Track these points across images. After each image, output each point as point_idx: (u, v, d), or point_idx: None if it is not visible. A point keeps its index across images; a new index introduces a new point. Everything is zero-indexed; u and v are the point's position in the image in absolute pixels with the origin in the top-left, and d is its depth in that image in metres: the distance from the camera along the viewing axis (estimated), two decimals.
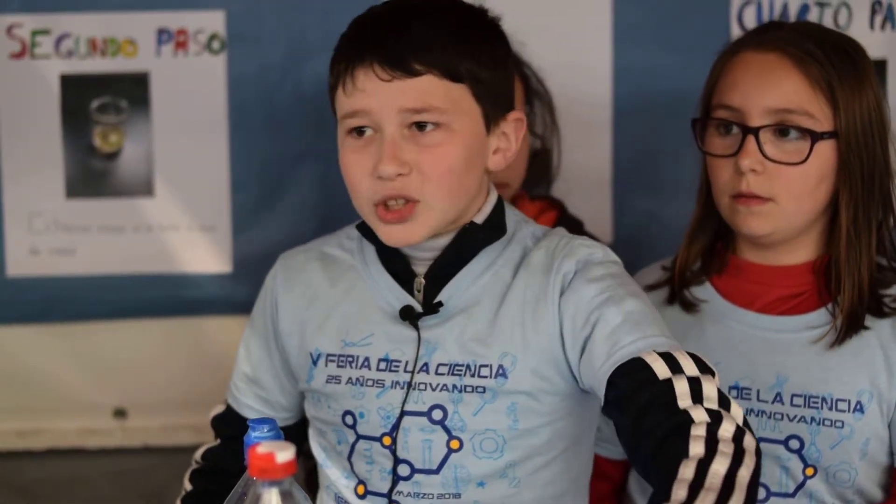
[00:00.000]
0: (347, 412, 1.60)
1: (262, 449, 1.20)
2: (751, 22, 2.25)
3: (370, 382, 1.59)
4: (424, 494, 1.58)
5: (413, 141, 1.52)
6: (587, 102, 2.26)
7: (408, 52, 1.51)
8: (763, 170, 1.66)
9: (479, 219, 1.59)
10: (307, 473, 1.82)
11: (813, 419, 1.67)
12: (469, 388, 1.55)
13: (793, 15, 2.23)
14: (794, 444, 1.67)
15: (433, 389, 1.56)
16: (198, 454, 1.77)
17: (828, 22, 2.22)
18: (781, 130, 1.66)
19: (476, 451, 1.56)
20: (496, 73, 1.57)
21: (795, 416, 1.68)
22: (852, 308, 1.67)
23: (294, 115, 2.28)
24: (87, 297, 2.32)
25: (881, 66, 2.20)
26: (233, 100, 2.30)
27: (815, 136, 1.65)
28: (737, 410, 1.37)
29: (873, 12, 2.24)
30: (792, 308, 1.72)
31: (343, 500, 1.63)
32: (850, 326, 1.67)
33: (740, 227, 1.69)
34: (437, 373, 1.57)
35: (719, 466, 1.27)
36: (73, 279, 2.32)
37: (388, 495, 1.59)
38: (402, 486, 1.58)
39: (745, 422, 1.36)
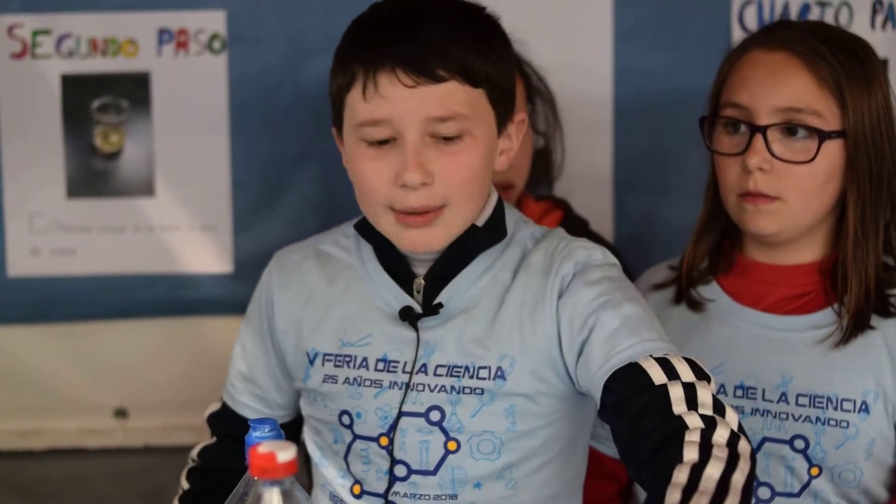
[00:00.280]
0: (344, 412, 1.60)
1: (264, 449, 1.20)
2: (751, 22, 2.25)
3: (368, 382, 1.59)
4: (421, 495, 1.57)
5: (436, 148, 1.51)
6: (588, 102, 2.26)
7: (431, 57, 1.49)
8: (770, 168, 1.66)
9: (481, 221, 1.59)
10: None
11: (818, 419, 1.67)
12: (467, 390, 1.55)
13: (794, 14, 2.23)
14: (800, 443, 1.67)
15: (431, 390, 1.56)
16: (194, 452, 1.77)
17: (828, 21, 2.22)
18: (789, 129, 1.66)
19: (473, 452, 1.56)
20: (508, 76, 1.58)
21: (801, 416, 1.68)
22: (858, 308, 1.67)
23: (295, 114, 2.27)
24: (87, 297, 2.32)
25: (882, 66, 2.19)
26: (233, 100, 2.30)
27: (822, 136, 1.64)
28: (731, 416, 1.37)
29: (874, 12, 2.24)
30: (798, 308, 1.72)
31: (338, 499, 1.63)
32: (856, 326, 1.67)
33: (747, 225, 1.69)
34: (435, 374, 1.56)
35: (713, 471, 1.27)
36: (74, 279, 2.32)
37: (385, 495, 1.58)
38: (398, 486, 1.58)
39: (740, 427, 1.36)
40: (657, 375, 1.40)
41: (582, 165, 2.25)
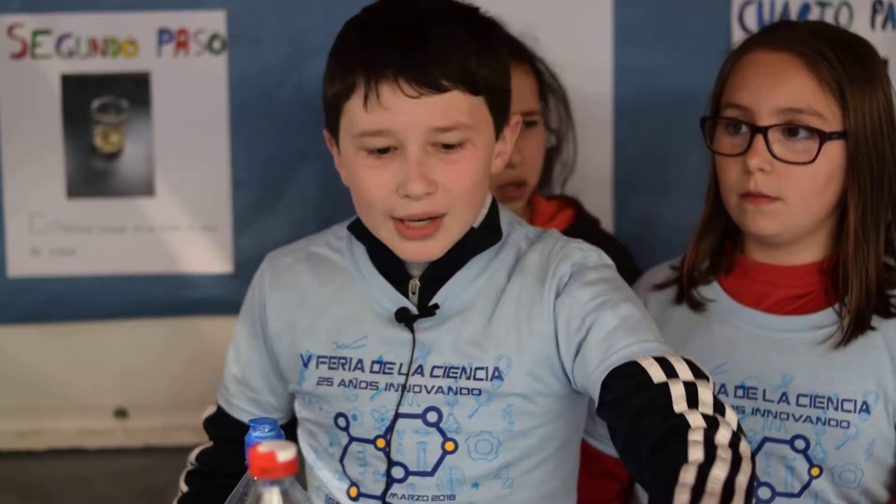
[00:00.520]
0: (340, 414, 1.59)
1: (264, 448, 1.20)
2: (751, 22, 2.25)
3: (364, 385, 1.58)
4: (419, 496, 1.57)
5: (437, 157, 1.50)
6: (588, 102, 2.26)
7: (433, 67, 1.48)
8: (771, 169, 1.66)
9: (476, 223, 1.59)
10: None
11: (819, 419, 1.67)
12: (465, 391, 1.55)
13: (794, 14, 2.23)
14: (800, 444, 1.67)
15: (428, 392, 1.56)
16: (192, 455, 1.76)
17: (829, 21, 2.22)
18: (790, 130, 1.66)
19: (471, 452, 1.56)
20: (505, 78, 1.57)
21: (801, 416, 1.68)
22: (859, 308, 1.67)
23: (295, 114, 2.27)
24: (87, 297, 2.32)
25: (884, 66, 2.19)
26: (233, 100, 2.30)
27: (823, 137, 1.64)
28: (731, 416, 1.36)
29: (874, 12, 2.24)
30: (799, 308, 1.72)
31: (334, 502, 1.62)
32: (856, 326, 1.67)
33: (748, 226, 1.69)
34: (431, 375, 1.56)
35: (719, 472, 1.27)
36: (74, 279, 2.32)
37: (382, 497, 1.58)
38: (395, 488, 1.58)
39: (739, 427, 1.36)
40: (657, 374, 1.40)
41: (582, 165, 2.25)
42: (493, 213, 1.61)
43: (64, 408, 2.33)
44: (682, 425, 1.33)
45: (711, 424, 1.33)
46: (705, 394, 1.37)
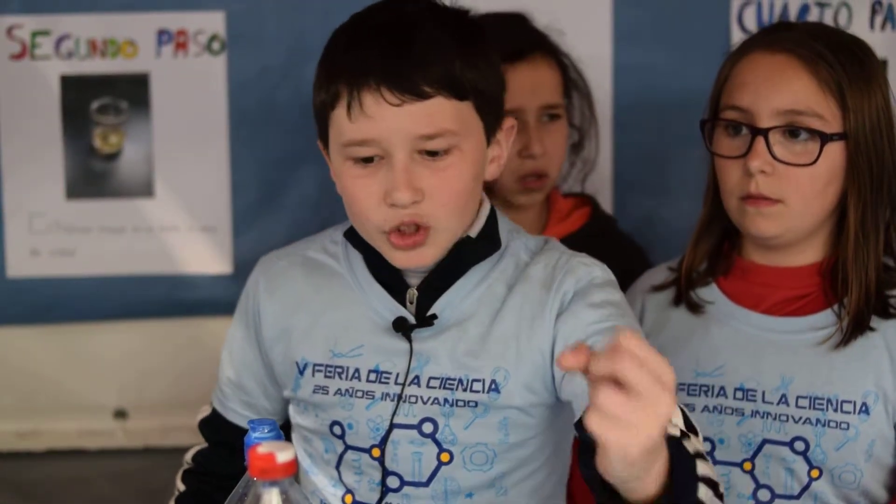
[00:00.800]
0: (335, 422, 1.58)
1: (263, 449, 1.20)
2: (751, 22, 2.25)
3: (360, 394, 1.57)
4: None
5: (423, 165, 1.48)
6: None
7: (415, 73, 1.45)
8: (772, 171, 1.65)
9: (474, 231, 1.57)
10: None
11: (818, 421, 1.67)
12: (461, 403, 1.54)
13: (793, 15, 2.23)
14: (800, 445, 1.67)
15: (424, 403, 1.54)
16: (188, 455, 1.75)
17: (828, 22, 2.22)
18: (791, 131, 1.65)
19: (466, 463, 1.55)
20: (495, 82, 1.54)
21: (801, 418, 1.67)
22: (859, 309, 1.67)
23: (294, 115, 2.28)
24: (87, 298, 2.32)
25: (882, 66, 2.19)
26: (233, 101, 2.30)
27: (824, 138, 1.64)
28: (714, 474, 1.34)
29: (873, 12, 2.24)
30: (798, 309, 1.72)
31: None
32: (856, 327, 1.67)
33: (749, 228, 1.69)
34: (428, 386, 1.55)
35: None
36: (74, 280, 2.33)
37: None
38: (391, 497, 1.57)
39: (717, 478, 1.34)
40: None
41: None
42: (491, 222, 1.59)
43: (63, 408, 2.34)
44: None
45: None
46: (696, 444, 1.37)
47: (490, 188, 1.76)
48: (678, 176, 2.28)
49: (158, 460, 2.28)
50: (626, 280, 1.74)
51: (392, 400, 1.55)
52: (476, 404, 1.53)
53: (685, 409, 1.42)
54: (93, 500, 2.25)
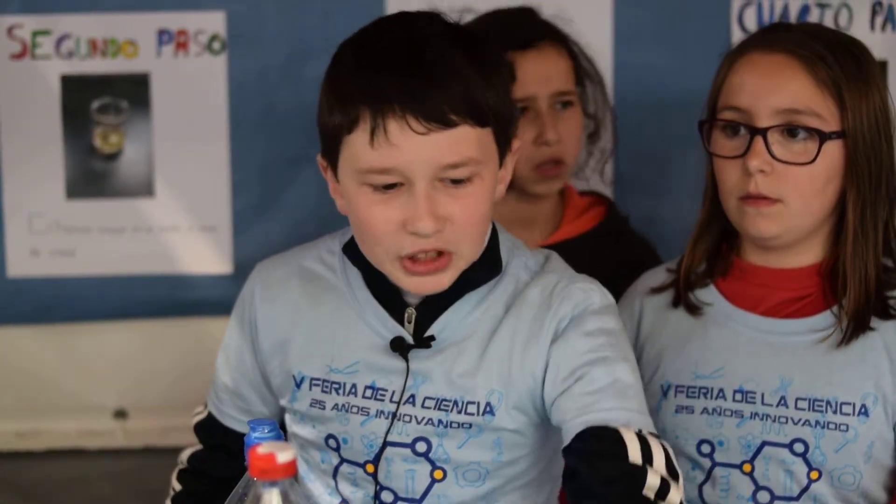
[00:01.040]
0: (331, 436, 1.57)
1: (263, 449, 1.20)
2: (751, 22, 2.25)
3: (356, 409, 1.55)
4: None
5: (445, 192, 1.45)
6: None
7: (443, 101, 1.41)
8: (771, 170, 1.65)
9: (477, 254, 1.54)
10: None
11: (817, 422, 1.67)
12: (455, 424, 1.52)
13: (793, 16, 2.23)
14: (799, 447, 1.67)
15: (418, 423, 1.53)
16: (184, 456, 1.74)
17: (828, 23, 2.23)
18: (790, 131, 1.65)
19: (459, 480, 1.54)
20: (509, 104, 1.52)
21: (800, 420, 1.67)
22: (858, 309, 1.67)
23: (294, 115, 2.28)
24: (87, 298, 2.32)
25: (882, 67, 2.20)
26: (233, 100, 2.30)
27: (823, 137, 1.64)
28: None
29: (874, 13, 2.25)
30: (797, 311, 1.72)
31: None
32: (855, 328, 1.67)
33: (748, 228, 1.69)
34: (423, 406, 1.53)
35: None
36: (74, 280, 2.33)
37: None
38: None
39: None
40: (634, 453, 1.41)
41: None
42: (493, 242, 1.56)
43: (63, 408, 2.34)
44: None
45: None
46: (674, 497, 1.40)
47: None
48: (678, 176, 2.28)
49: (158, 460, 2.28)
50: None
51: (386, 418, 1.54)
52: (470, 426, 1.52)
53: (668, 451, 1.44)
54: (93, 500, 2.25)
